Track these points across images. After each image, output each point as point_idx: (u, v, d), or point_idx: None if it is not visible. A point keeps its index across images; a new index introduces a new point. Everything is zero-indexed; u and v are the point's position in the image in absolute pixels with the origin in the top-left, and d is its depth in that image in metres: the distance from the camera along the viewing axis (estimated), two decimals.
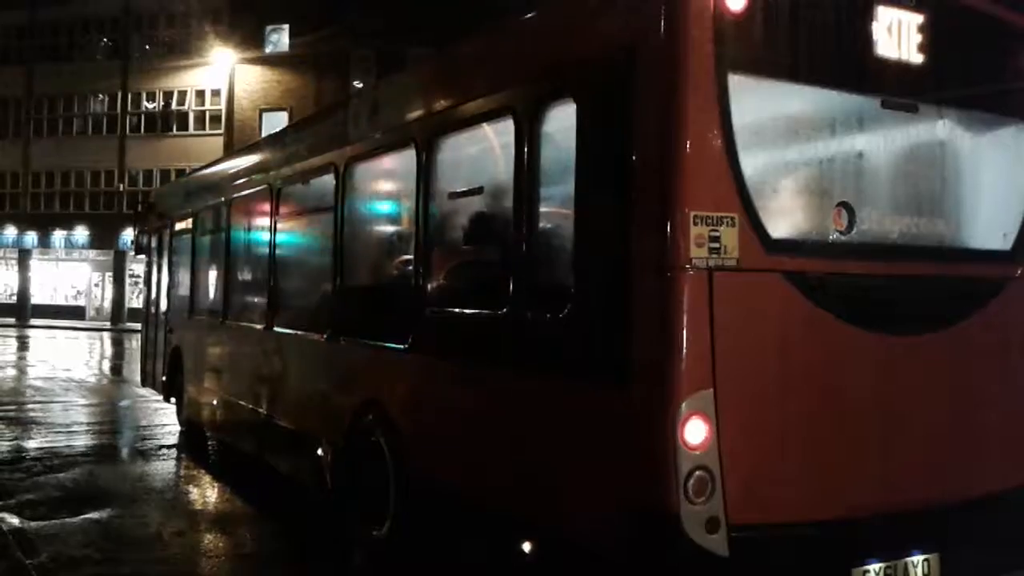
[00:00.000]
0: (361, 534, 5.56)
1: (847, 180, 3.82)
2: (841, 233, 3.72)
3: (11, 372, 18.10)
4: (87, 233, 35.63)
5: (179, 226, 10.53)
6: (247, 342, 7.91)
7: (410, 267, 5.24)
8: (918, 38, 3.86)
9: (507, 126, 4.24)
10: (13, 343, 25.64)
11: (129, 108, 36.03)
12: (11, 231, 37.05)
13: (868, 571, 3.61)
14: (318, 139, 6.78)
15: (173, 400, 10.41)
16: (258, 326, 7.50)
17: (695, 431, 3.23)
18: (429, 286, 5.01)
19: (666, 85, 3.32)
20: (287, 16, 33.50)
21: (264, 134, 33.08)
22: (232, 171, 9.05)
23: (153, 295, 11.75)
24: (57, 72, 36.98)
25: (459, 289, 4.98)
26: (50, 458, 8.73)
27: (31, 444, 9.57)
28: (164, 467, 8.94)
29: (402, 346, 5.11)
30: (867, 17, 3.76)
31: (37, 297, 37.81)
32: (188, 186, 11.12)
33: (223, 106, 34.54)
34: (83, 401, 13.60)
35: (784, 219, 3.64)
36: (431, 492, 4.82)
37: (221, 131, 34.46)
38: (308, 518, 6.65)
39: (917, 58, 3.86)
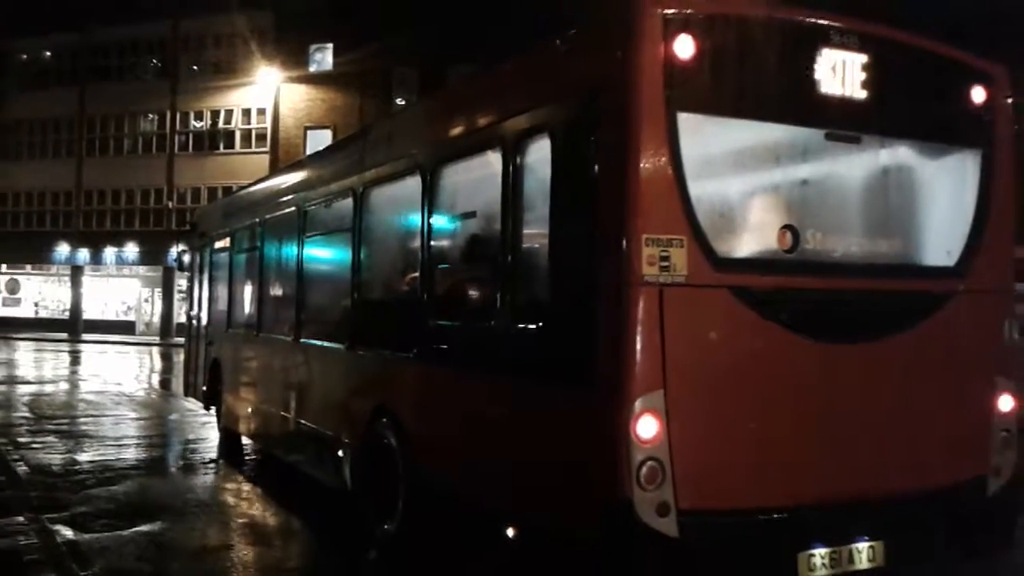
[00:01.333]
0: (375, 529, 5.98)
1: (792, 204, 4.28)
2: (786, 252, 4.14)
3: (64, 386, 18.52)
4: (137, 250, 36.41)
5: (217, 245, 11.11)
6: (277, 353, 8.45)
7: (415, 283, 5.79)
8: (861, 76, 4.26)
9: (496, 157, 4.74)
10: (66, 358, 26.24)
11: (178, 127, 36.83)
12: (64, 248, 38.00)
13: (813, 555, 4.00)
14: (338, 167, 7.36)
15: (213, 409, 10.79)
16: (287, 338, 8.01)
17: (647, 427, 3.69)
18: (430, 301, 5.55)
19: (622, 124, 3.81)
20: (331, 35, 34.03)
21: (308, 152, 33.63)
22: (264, 194, 9.75)
23: (194, 310, 12.35)
24: (108, 92, 37.98)
25: (455, 303, 5.45)
26: (102, 471, 8.92)
27: (84, 457, 9.78)
28: (211, 480, 9.07)
29: (408, 355, 5.68)
30: (812, 58, 4.18)
31: (89, 312, 38.68)
32: (225, 207, 11.90)
33: (268, 124, 35.14)
34: (133, 415, 13.88)
35: (732, 240, 4.11)
36: (433, 488, 5.31)
37: (267, 149, 35.04)
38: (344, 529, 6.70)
39: (860, 94, 4.26)
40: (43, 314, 39.75)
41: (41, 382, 19.00)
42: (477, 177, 5.20)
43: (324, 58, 34.57)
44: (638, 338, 3.74)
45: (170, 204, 36.21)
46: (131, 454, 10.33)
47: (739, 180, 4.31)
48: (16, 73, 40.35)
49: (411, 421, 5.62)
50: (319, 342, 7.40)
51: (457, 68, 32.34)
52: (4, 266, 40.43)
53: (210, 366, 10.75)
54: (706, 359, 3.90)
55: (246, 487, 8.49)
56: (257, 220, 9.29)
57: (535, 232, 4.59)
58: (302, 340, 7.69)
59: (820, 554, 4.02)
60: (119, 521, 6.88)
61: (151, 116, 37.68)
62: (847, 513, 4.09)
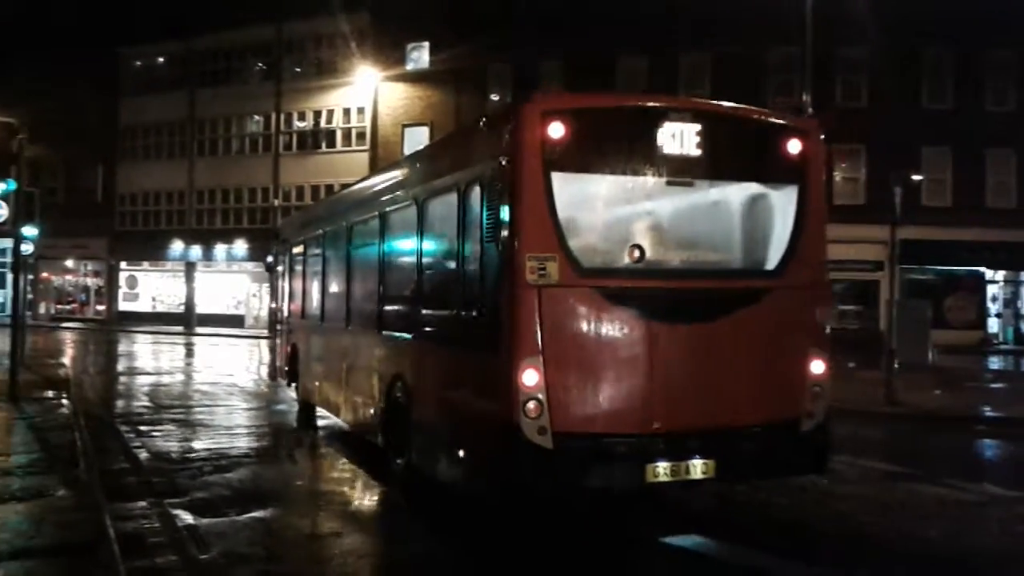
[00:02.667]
0: (392, 465, 7.98)
1: (640, 230, 6.26)
2: (635, 263, 6.07)
3: (179, 377, 19.46)
4: (245, 246, 37.80)
5: (294, 251, 13.37)
6: (333, 338, 10.80)
7: (414, 284, 7.83)
8: (694, 139, 6.16)
9: (453, 197, 6.75)
10: (181, 350, 27.52)
11: (282, 128, 38.01)
12: (178, 245, 39.82)
13: (657, 466, 5.91)
14: (367, 198, 9.63)
15: (293, 386, 12.85)
16: (340, 325, 10.20)
17: (530, 378, 5.63)
18: (420, 296, 7.61)
19: (515, 181, 5.77)
20: (427, 34, 34.50)
21: (407, 149, 34.22)
22: (324, 212, 12.51)
23: (277, 305, 15.10)
24: (217, 96, 39.56)
25: (432, 299, 7.40)
26: (217, 458, 9.37)
27: (199, 445, 10.30)
28: (320, 468, 9.41)
29: (411, 336, 7.72)
30: (655, 129, 6.11)
31: (201, 307, 40.38)
32: (299, 220, 14.56)
33: (367, 123, 35.92)
34: (244, 405, 14.49)
35: (594, 255, 6.06)
36: (424, 428, 7.25)
37: (366, 147, 35.85)
38: (454, 518, 6.84)
39: (694, 152, 6.19)
40: (160, 308, 41.73)
41: (159, 373, 20.00)
42: (444, 210, 7.04)
43: (421, 56, 35.09)
44: (522, 321, 5.69)
45: (276, 202, 37.38)
46: (243, 442, 10.81)
47: (599, 214, 6.37)
48: (132, 80, 42.45)
49: (413, 382, 7.60)
50: (360, 328, 9.50)
51: (550, 63, 32.38)
52: (124, 263, 42.63)
53: (290, 351, 13.07)
54: (573, 334, 5.83)
55: (355, 476, 8.76)
56: (319, 232, 11.55)
57: (475, 250, 6.37)
58: (349, 327, 9.86)
59: (663, 466, 5.93)
60: (234, 507, 7.24)
61: (257, 118, 39.06)
62: (685, 439, 6.01)
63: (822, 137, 6.77)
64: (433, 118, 34.55)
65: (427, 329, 7.39)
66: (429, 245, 7.57)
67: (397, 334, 8.10)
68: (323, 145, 37.09)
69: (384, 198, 8.76)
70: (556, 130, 5.82)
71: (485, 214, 6.15)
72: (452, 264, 6.94)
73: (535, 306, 5.70)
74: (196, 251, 39.57)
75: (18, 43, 36.96)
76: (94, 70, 41.21)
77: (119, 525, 6.35)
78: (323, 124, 37.12)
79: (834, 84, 28.78)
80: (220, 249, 38.89)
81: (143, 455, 9.57)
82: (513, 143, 5.87)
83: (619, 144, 6.19)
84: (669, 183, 6.27)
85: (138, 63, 42.53)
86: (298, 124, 37.86)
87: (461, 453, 6.50)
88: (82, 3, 38.98)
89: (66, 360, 21.93)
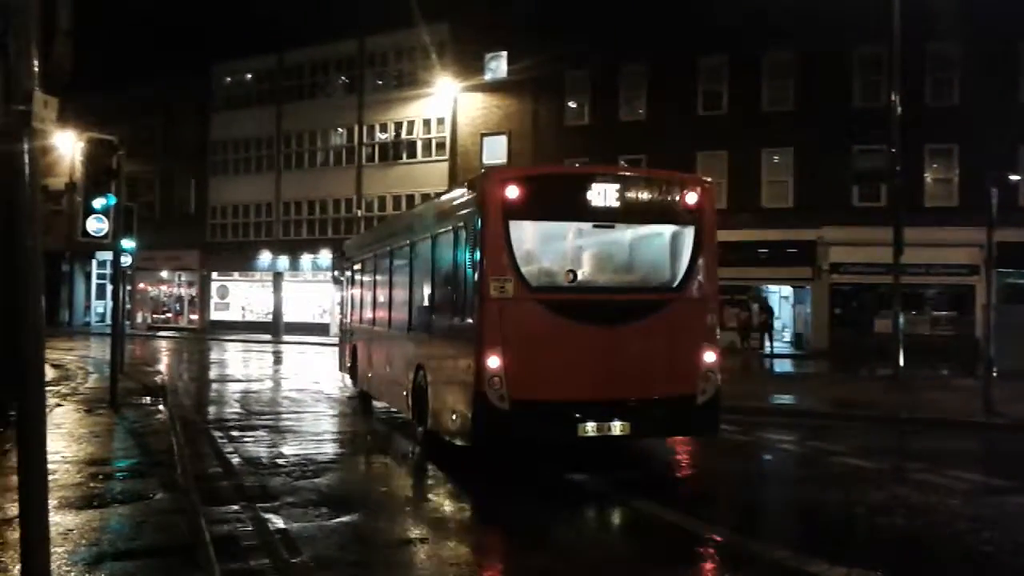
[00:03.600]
0: (416, 431, 10.86)
1: (573, 259, 9.35)
2: (569, 283, 9.02)
3: (268, 384, 20.03)
4: (330, 256, 38.71)
5: (354, 268, 16.63)
6: (379, 338, 13.81)
7: (428, 297, 10.83)
8: (615, 195, 8.90)
9: (449, 237, 9.73)
10: (269, 357, 28.29)
11: (364, 140, 38.87)
12: (266, 256, 41.05)
13: (587, 426, 8.52)
14: (402, 228, 12.94)
15: (355, 379, 15.86)
16: (384, 329, 13.36)
17: (493, 362, 8.31)
18: (432, 305, 10.57)
19: (483, 227, 8.42)
20: (505, 43, 34.77)
21: (486, 158, 34.51)
22: (370, 240, 15.86)
23: (342, 313, 18.75)
24: (302, 110, 40.71)
25: (439, 307, 10.25)
26: (306, 464, 9.62)
27: (289, 450, 10.58)
28: (406, 475, 9.55)
29: (427, 335, 10.61)
30: (585, 188, 8.87)
31: (288, 315, 41.54)
32: (355, 244, 17.65)
33: (447, 133, 36.40)
34: (331, 411, 14.82)
35: (539, 278, 8.87)
36: (435, 402, 9.99)
37: (446, 157, 36.32)
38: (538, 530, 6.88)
39: (615, 204, 8.88)
40: (249, 317, 43.07)
41: (248, 380, 20.61)
42: (446, 245, 9.93)
43: (499, 66, 35.38)
44: (488, 324, 8.42)
45: (359, 213, 38.23)
46: (330, 448, 11.07)
47: (543, 249, 9.35)
48: (223, 96, 44.02)
49: (430, 369, 10.35)
50: (397, 330, 12.46)
51: (629, 68, 32.24)
52: (215, 273, 44.19)
53: (351, 350, 16.04)
54: (525, 332, 8.52)
55: (440, 483, 8.88)
56: (370, 254, 14.84)
57: (462, 274, 9.24)
58: (390, 329, 12.98)
59: (591, 425, 8.59)
60: (323, 511, 7.42)
61: (340, 130, 40.00)
62: (607, 407, 8.64)
63: (711, 190, 9.60)
64: (511, 127, 34.78)
65: (437, 329, 10.22)
66: (438, 269, 10.47)
67: (420, 333, 11.02)
68: (404, 156, 37.72)
69: (412, 231, 11.90)
70: (512, 192, 8.60)
71: (467, 249, 9.04)
72: (451, 283, 9.76)
73: (497, 313, 8.51)
74: (283, 261, 40.69)
75: (117, 63, 38.73)
76: (188, 88, 42.99)
77: (214, 528, 6.58)
78: (404, 135, 37.75)
79: (924, 82, 27.79)
80: (306, 259, 39.90)
81: (235, 460, 9.87)
82: (481, 202, 8.75)
83: (558, 200, 9.07)
84: (595, 226, 9.38)
85: (228, 80, 44.08)
86: (380, 136, 38.60)
87: (454, 416, 9.30)
88: (177, 24, 40.69)
89: (162, 367, 22.82)
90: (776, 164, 30.61)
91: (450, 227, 9.71)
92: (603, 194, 8.89)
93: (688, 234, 9.16)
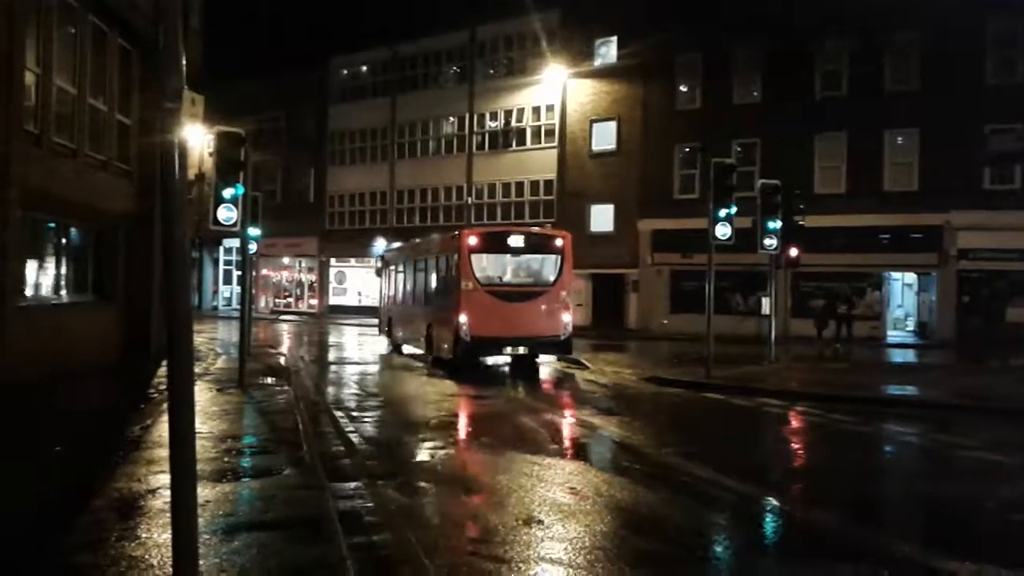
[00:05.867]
0: (428, 359, 20.00)
1: (502, 270, 19.01)
2: (499, 282, 18.70)
3: (383, 367, 20.57)
4: None
5: (389, 268, 26.33)
6: (406, 311, 23.37)
7: (432, 289, 20.76)
8: (522, 240, 18.93)
9: (444, 260, 19.66)
10: (384, 340, 29.01)
11: (475, 128, 39.35)
12: (381, 242, 42.09)
13: (507, 348, 18.32)
14: (418, 250, 23.04)
15: (388, 336, 25.49)
16: (409, 306, 23.07)
17: (463, 318, 17.72)
18: (435, 293, 20.45)
19: (460, 256, 18.01)
20: (615, 28, 34.49)
21: (595, 144, 34.38)
22: (397, 255, 25.64)
23: (381, 296, 28.08)
24: (415, 100, 41.54)
25: (438, 294, 20.04)
26: (420, 442, 9.88)
27: (404, 429, 10.91)
28: (507, 455, 9.70)
29: (432, 308, 20.29)
30: (508, 237, 19.07)
31: None
32: (389, 255, 27.07)
33: (556, 120, 36.44)
34: (436, 396, 15.14)
35: (486, 279, 18.29)
36: (437, 340, 19.50)
37: (555, 144, 36.38)
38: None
39: (522, 244, 18.86)
40: (365, 301, 44.32)
41: (364, 362, 21.29)
42: (444, 263, 19.61)
43: (608, 51, 35.13)
44: (463, 302, 17.72)
45: (469, 200, 38.78)
46: (441, 430, 11.36)
47: (487, 265, 18.47)
48: (340, 88, 45.37)
49: (434, 327, 19.75)
50: (417, 306, 21.85)
51: (743, 50, 31.43)
52: (333, 259, 45.71)
53: (388, 320, 25.63)
54: (478, 305, 17.75)
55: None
56: (398, 262, 24.70)
57: (450, 278, 18.86)
58: (412, 305, 22.48)
59: (508, 348, 18.24)
60: (440, 488, 7.67)
61: (452, 119, 40.62)
62: (516, 340, 18.04)
63: (568, 237, 19.15)
64: (620, 112, 34.52)
65: (438, 305, 19.56)
66: (440, 274, 19.86)
67: (429, 307, 20.55)
68: (513, 143, 37.99)
69: (428, 252, 21.34)
70: (473, 240, 18.10)
71: (454, 265, 18.14)
72: (447, 281, 19.07)
73: (466, 296, 17.68)
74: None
75: (243, 59, 40.47)
76: (307, 81, 44.52)
77: (338, 503, 6.91)
78: (513, 123, 38.01)
79: None
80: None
81: (355, 438, 10.27)
82: (459, 244, 18.01)
83: (494, 243, 18.68)
84: (512, 255, 18.94)
85: (345, 72, 45.37)
86: (490, 124, 38.99)
87: (446, 345, 18.51)
88: (297, 21, 42.15)
89: (284, 349, 23.85)
90: (900, 145, 29.32)
91: (446, 253, 19.38)
92: (516, 240, 18.92)
93: (556, 259, 18.79)
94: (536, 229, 21.65)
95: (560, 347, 18.41)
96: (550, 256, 18.56)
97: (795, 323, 26.93)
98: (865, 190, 29.00)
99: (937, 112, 27.60)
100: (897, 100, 28.63)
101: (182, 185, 4.14)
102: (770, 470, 9.48)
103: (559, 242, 18.60)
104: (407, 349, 22.96)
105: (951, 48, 27.50)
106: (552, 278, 18.43)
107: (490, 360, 19.49)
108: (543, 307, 18.14)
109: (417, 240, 24.50)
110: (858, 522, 7.11)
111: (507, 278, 18.67)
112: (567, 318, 18.27)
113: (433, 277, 20.23)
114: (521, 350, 18.09)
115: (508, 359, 19.27)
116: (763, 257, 19.59)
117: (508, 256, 18.70)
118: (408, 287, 23.00)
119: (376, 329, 28.41)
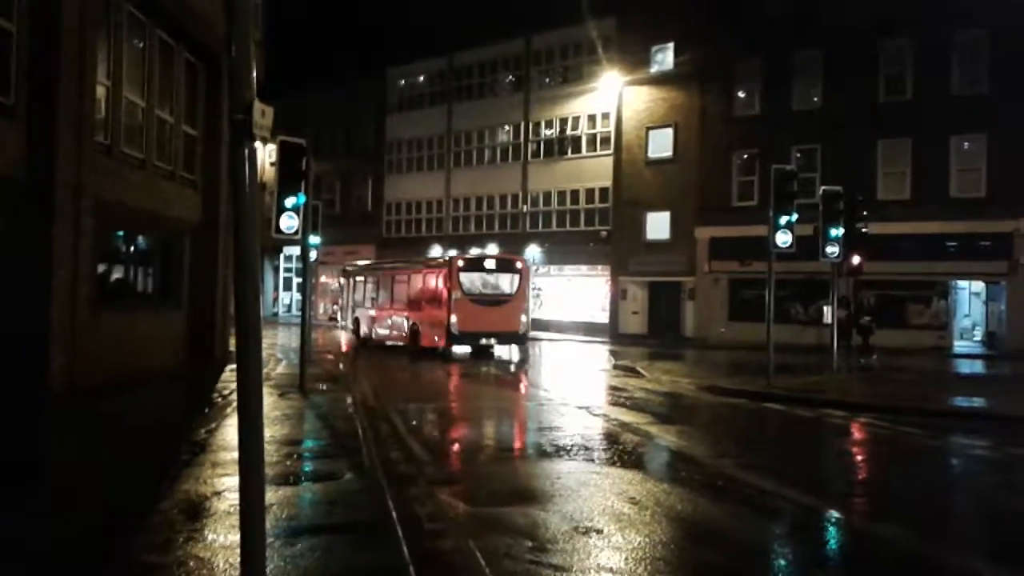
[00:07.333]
0: (413, 350, 25.32)
1: (480, 284, 24.71)
2: (478, 292, 24.44)
3: (439, 374, 20.69)
4: (497, 250, 39.60)
5: (353, 280, 31.64)
6: (382, 313, 28.57)
7: (415, 296, 26.30)
8: (495, 263, 25.65)
9: (431, 275, 25.58)
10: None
11: (530, 136, 39.46)
12: (437, 250, 42.46)
13: (482, 341, 24.45)
14: (387, 266, 30.78)
15: (354, 331, 30.52)
16: (387, 309, 28.28)
17: (452, 318, 23.61)
18: (420, 300, 25.89)
19: (449, 274, 24.14)
20: (672, 35, 34.29)
21: (651, 152, 34.15)
22: (359, 270, 32.34)
23: (343, 302, 33.31)
24: (471, 109, 41.86)
25: (426, 300, 25.48)
26: (479, 449, 9.91)
27: (462, 438, 10.96)
28: (571, 465, 9.68)
29: (418, 311, 25.79)
30: (484, 262, 25.73)
31: None
32: (351, 270, 32.67)
33: (612, 128, 36.33)
34: (493, 401, 15.17)
35: (468, 289, 24.28)
36: (422, 337, 25.28)
37: (610, 152, 36.27)
38: None
39: (494, 267, 25.36)
40: None
41: (419, 369, 21.41)
42: (433, 278, 25.33)
43: (665, 58, 34.94)
44: (452, 307, 23.63)
45: (524, 208, 38.88)
46: (509, 438, 11.38)
47: (469, 281, 24.43)
48: (397, 98, 45.92)
49: (419, 324, 25.35)
50: (396, 309, 27.49)
51: (803, 54, 30.96)
52: None
53: (354, 320, 30.61)
54: (462, 309, 23.69)
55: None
56: (367, 274, 31.00)
57: (439, 290, 24.59)
58: (391, 308, 27.88)
59: (484, 341, 24.39)
60: (498, 495, 7.69)
61: (507, 128, 40.80)
62: (489, 334, 24.22)
63: (526, 262, 26.29)
64: (677, 119, 34.28)
65: (425, 308, 25.18)
66: (426, 287, 25.53)
67: (414, 310, 25.92)
68: (569, 151, 37.99)
69: (406, 269, 27.76)
70: (460, 263, 24.52)
71: (446, 280, 24.01)
72: (435, 292, 24.73)
73: (453, 302, 23.56)
74: (453, 255, 41.96)
75: (306, 72, 41.27)
76: (366, 91, 45.14)
77: (399, 508, 6.97)
78: (569, 131, 38.02)
79: None
80: (474, 253, 40.92)
81: (414, 445, 10.35)
82: (449, 268, 24.25)
83: (475, 265, 25.08)
84: (486, 273, 24.88)
85: (402, 82, 45.92)
86: (545, 132, 39.06)
87: (436, 337, 24.12)
88: (356, 33, 42.81)
89: (342, 355, 24.18)
90: (967, 151, 28.53)
91: (436, 271, 24.97)
92: (489, 263, 25.25)
93: (517, 277, 24.73)
94: (502, 255, 30.86)
95: (519, 339, 24.80)
96: (514, 275, 25.02)
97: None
98: (930, 196, 28.29)
99: (1006, 116, 26.82)
100: (963, 104, 27.90)
101: (253, 194, 4.22)
102: (833, 482, 9.29)
103: (519, 265, 25.42)
104: (377, 342, 28.89)
105: (1020, 49, 26.71)
106: (514, 290, 24.85)
107: (469, 348, 25.41)
108: (507, 311, 24.51)
109: (384, 261, 33.63)
110: (926, 537, 6.93)
111: (482, 290, 24.65)
112: (524, 319, 24.86)
113: (420, 288, 25.99)
114: (492, 342, 24.52)
115: (501, 354, 26.21)
116: (824, 265, 19.21)
117: (483, 274, 25.00)
118: (383, 295, 28.78)
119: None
